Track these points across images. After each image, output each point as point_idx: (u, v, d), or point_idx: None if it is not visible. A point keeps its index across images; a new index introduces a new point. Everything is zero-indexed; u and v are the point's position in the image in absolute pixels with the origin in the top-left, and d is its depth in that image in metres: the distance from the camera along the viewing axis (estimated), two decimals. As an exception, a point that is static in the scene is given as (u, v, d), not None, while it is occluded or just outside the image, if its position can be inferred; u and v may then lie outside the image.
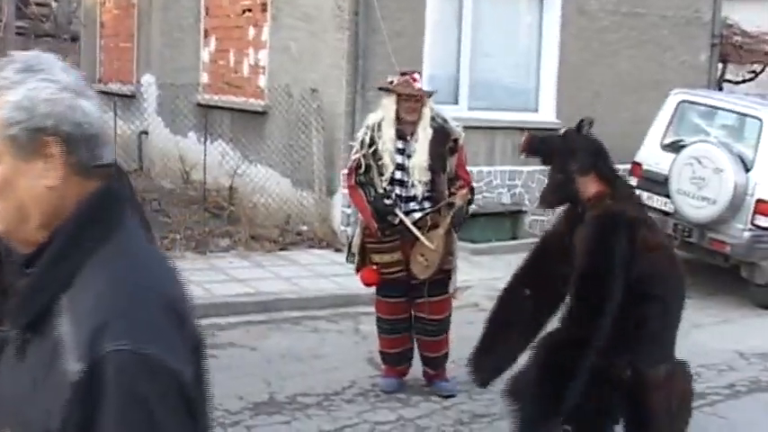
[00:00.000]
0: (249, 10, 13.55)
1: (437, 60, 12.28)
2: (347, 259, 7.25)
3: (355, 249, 7.02)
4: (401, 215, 6.73)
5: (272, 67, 12.97)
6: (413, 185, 6.76)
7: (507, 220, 12.88)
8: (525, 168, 12.95)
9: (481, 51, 12.85)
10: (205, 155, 12.51)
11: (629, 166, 11.87)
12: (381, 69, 11.58)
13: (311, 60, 12.20)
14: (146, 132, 15.81)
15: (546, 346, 5.51)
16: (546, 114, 13.31)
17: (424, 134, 6.72)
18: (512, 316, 5.99)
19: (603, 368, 5.20)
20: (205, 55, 14.65)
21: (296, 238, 11.74)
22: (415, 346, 7.14)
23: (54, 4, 29.96)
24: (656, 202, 10.96)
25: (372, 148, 6.75)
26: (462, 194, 6.74)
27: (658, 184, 10.95)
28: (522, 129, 12.84)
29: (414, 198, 6.82)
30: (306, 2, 12.27)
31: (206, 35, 14.65)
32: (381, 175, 6.75)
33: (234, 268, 10.39)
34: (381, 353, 7.22)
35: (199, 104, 14.14)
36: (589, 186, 5.51)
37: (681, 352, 8.37)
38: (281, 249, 11.34)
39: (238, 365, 7.57)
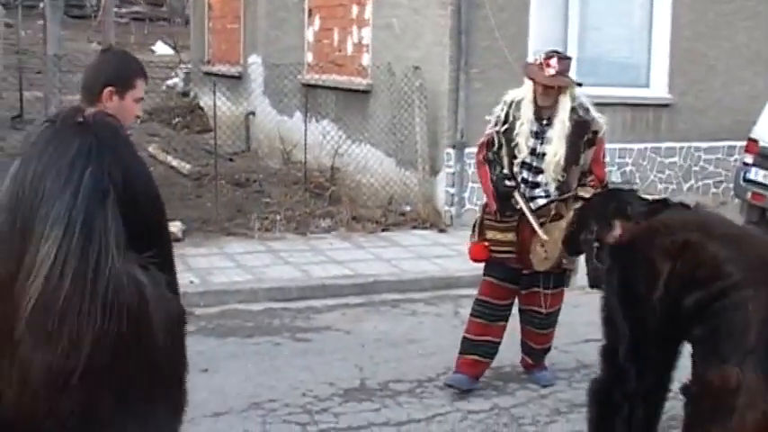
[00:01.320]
0: (353, -12, 13.41)
1: (543, 35, 11.91)
2: (470, 238, 6.83)
3: (474, 233, 6.70)
4: (521, 201, 6.37)
5: (375, 45, 12.79)
6: (545, 182, 6.41)
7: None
8: (636, 146, 12.60)
9: (589, 25, 12.47)
10: (306, 134, 12.43)
11: (744, 143, 11.42)
12: (485, 45, 11.35)
13: (414, 37, 11.99)
14: (253, 113, 15.83)
15: (594, 403, 5.12)
16: (658, 90, 12.87)
17: (561, 126, 6.32)
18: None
19: None
20: (309, 34, 14.55)
21: (399, 218, 11.56)
22: (522, 336, 6.82)
23: (168, -11, 30.46)
24: (773, 179, 10.50)
25: (506, 127, 6.43)
26: (592, 188, 6.31)
27: (775, 161, 10.46)
28: (633, 105, 12.51)
29: (540, 184, 6.47)
30: (408, -22, 12.05)
31: (310, 14, 14.56)
32: (513, 156, 6.43)
33: (334, 249, 10.27)
34: (465, 339, 6.66)
35: (303, 84, 14.04)
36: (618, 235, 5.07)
37: None
38: (384, 230, 11.19)
39: (332, 350, 7.42)
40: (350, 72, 13.38)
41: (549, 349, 6.89)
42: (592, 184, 6.40)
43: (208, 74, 18.15)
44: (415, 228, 11.36)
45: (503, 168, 6.46)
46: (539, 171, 6.43)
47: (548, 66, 6.28)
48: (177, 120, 17.32)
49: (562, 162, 6.32)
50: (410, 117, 11.78)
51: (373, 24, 12.85)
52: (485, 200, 6.75)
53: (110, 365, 1.80)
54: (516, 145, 6.38)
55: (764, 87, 11.90)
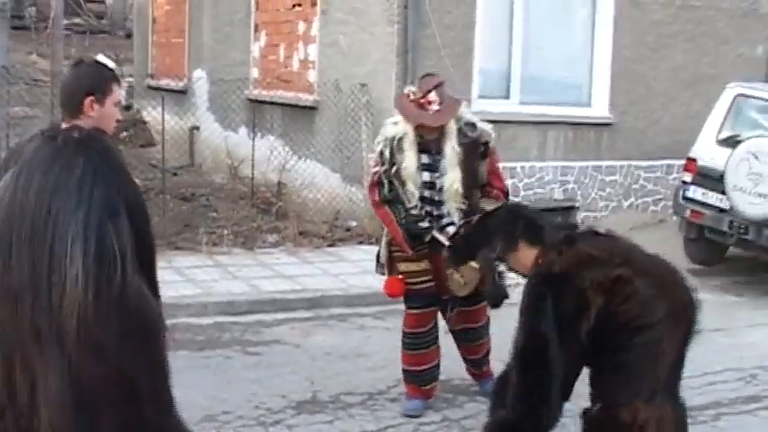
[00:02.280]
0: (299, 4, 13.48)
1: (488, 54, 12.13)
2: (376, 270, 6.71)
3: (383, 260, 6.55)
4: (437, 236, 6.18)
5: (322, 61, 12.88)
6: (447, 213, 6.25)
7: (559, 215, 12.68)
8: (577, 164, 12.80)
9: (533, 44, 12.67)
10: (253, 150, 12.49)
11: (683, 162, 11.67)
12: (431, 63, 11.46)
13: (360, 55, 12.10)
14: (197, 128, 15.84)
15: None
16: (599, 109, 13.11)
17: (452, 153, 6.12)
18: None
19: None
20: (255, 50, 14.61)
21: (345, 234, 11.67)
22: (441, 357, 6.70)
23: (109, 2, 30.26)
24: (712, 198, 10.75)
25: (395, 167, 6.18)
26: (495, 199, 6.18)
27: (714, 180, 10.69)
28: (574, 123, 12.74)
29: (444, 215, 6.30)
30: (355, -5, 12.19)
31: (256, 30, 14.61)
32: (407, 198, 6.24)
33: (281, 264, 10.34)
34: (405, 371, 6.64)
35: (249, 100, 14.10)
36: (523, 259, 4.91)
37: (735, 352, 8.25)
38: (330, 245, 11.28)
39: (282, 363, 7.49)
40: (296, 88, 13.45)
41: (487, 354, 6.81)
42: (494, 194, 6.27)
43: (151, 88, 18.14)
44: (360, 243, 11.45)
45: (405, 207, 6.23)
46: (440, 203, 6.27)
47: (429, 103, 6.05)
48: (124, 134, 17.26)
49: (461, 189, 6.16)
50: (356, 134, 11.90)
51: (320, 41, 12.93)
52: (387, 234, 6.48)
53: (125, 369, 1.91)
54: (407, 190, 6.20)
55: (702, 108, 12.15)
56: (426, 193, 6.28)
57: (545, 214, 5.29)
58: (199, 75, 16.30)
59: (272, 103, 13.81)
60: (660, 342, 4.44)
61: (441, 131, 6.16)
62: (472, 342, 6.73)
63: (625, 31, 13.08)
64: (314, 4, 13.06)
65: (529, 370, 4.61)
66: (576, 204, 12.83)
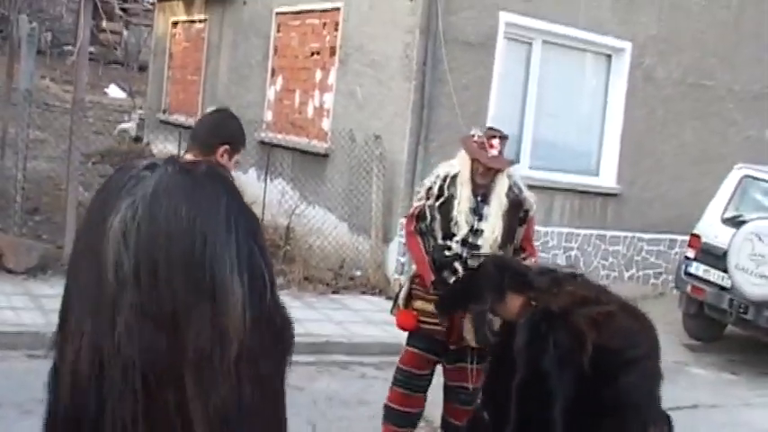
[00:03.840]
0: (318, 53, 13.68)
1: (501, 116, 12.26)
2: (391, 311, 6.76)
3: (401, 302, 6.56)
4: (460, 268, 6.27)
5: (337, 110, 13.06)
6: (479, 257, 6.24)
7: (560, 281, 12.79)
8: (582, 232, 12.94)
9: (546, 111, 12.87)
10: (265, 193, 12.61)
11: (686, 237, 11.82)
12: (446, 121, 11.65)
13: (376, 107, 12.28)
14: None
15: None
16: (607, 179, 13.30)
17: (498, 203, 6.31)
18: None
19: None
20: (271, 93, 14.80)
21: (349, 282, 11.76)
22: (424, 410, 6.63)
23: (125, 33, 30.58)
24: (714, 276, 10.88)
25: (440, 201, 6.38)
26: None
27: (716, 257, 10.85)
28: (582, 192, 12.90)
29: (477, 260, 6.27)
30: (374, 48, 12.36)
31: (273, 74, 14.81)
32: (447, 231, 6.37)
33: (286, 307, 10.39)
34: (387, 407, 6.59)
35: (261, 142, 14.25)
36: (511, 306, 5.00)
37: (730, 430, 8.35)
38: (334, 292, 11.38)
39: (285, 405, 7.55)
40: (309, 134, 13.62)
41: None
42: (525, 257, 6.37)
43: (163, 122, 18.32)
44: (363, 293, 11.55)
45: (436, 241, 6.40)
46: (475, 247, 6.36)
47: (491, 146, 6.28)
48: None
49: (499, 240, 6.31)
50: (367, 184, 12.03)
51: (336, 90, 13.11)
52: (413, 270, 6.66)
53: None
54: (456, 223, 6.33)
55: (707, 185, 12.34)
56: (466, 235, 6.39)
57: (523, 263, 5.43)
58: (212, 113, 16.42)
59: (283, 147, 13.95)
60: (650, 375, 4.59)
61: (492, 179, 6.34)
62: (463, 404, 6.49)
63: (637, 104, 13.30)
64: (333, 54, 13.26)
65: (527, 404, 4.66)
66: (578, 272, 12.90)
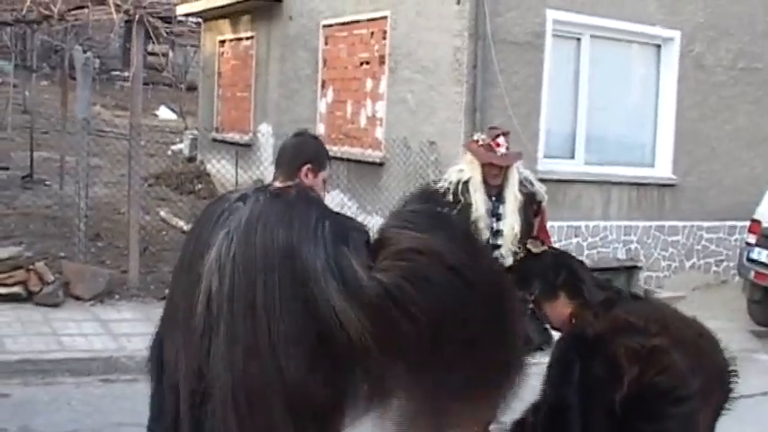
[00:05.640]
0: (367, 62, 13.77)
1: (554, 114, 12.32)
2: None
3: None
4: None
5: (390, 118, 13.14)
6: (501, 256, 6.38)
7: (622, 275, 12.81)
8: (641, 224, 12.92)
9: (598, 105, 12.87)
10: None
11: (745, 223, 11.77)
12: (499, 123, 11.62)
13: (428, 113, 12.34)
14: (261, 180, 16.10)
15: None
16: (662, 170, 13.27)
17: (513, 199, 6.43)
18: None
19: None
20: (322, 106, 14.90)
21: (409, 289, 11.79)
22: None
23: (171, 54, 30.87)
24: (776, 260, 10.85)
25: (456, 209, 6.23)
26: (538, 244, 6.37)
27: (779, 242, 10.81)
28: (638, 184, 12.88)
29: (500, 257, 6.41)
30: (424, 55, 12.42)
31: (323, 86, 14.91)
32: None
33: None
34: None
35: (315, 155, 14.30)
36: (561, 311, 4.68)
37: (754, 420, 8.20)
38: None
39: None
40: (363, 144, 13.72)
41: None
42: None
43: (216, 141, 18.51)
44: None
45: None
46: (495, 247, 6.44)
47: (497, 146, 6.38)
48: (195, 186, 17.59)
49: (519, 235, 6.39)
50: (424, 190, 12.06)
51: (388, 98, 13.18)
52: None
53: None
54: (475, 228, 6.31)
55: (764, 169, 12.30)
56: (486, 237, 6.47)
57: (587, 269, 5.02)
58: (264, 129, 16.61)
59: (338, 159, 14.03)
60: (696, 413, 4.25)
61: (504, 178, 6.45)
62: None
63: (688, 92, 13.26)
64: (382, 63, 13.34)
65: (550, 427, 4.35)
66: (639, 264, 12.94)
